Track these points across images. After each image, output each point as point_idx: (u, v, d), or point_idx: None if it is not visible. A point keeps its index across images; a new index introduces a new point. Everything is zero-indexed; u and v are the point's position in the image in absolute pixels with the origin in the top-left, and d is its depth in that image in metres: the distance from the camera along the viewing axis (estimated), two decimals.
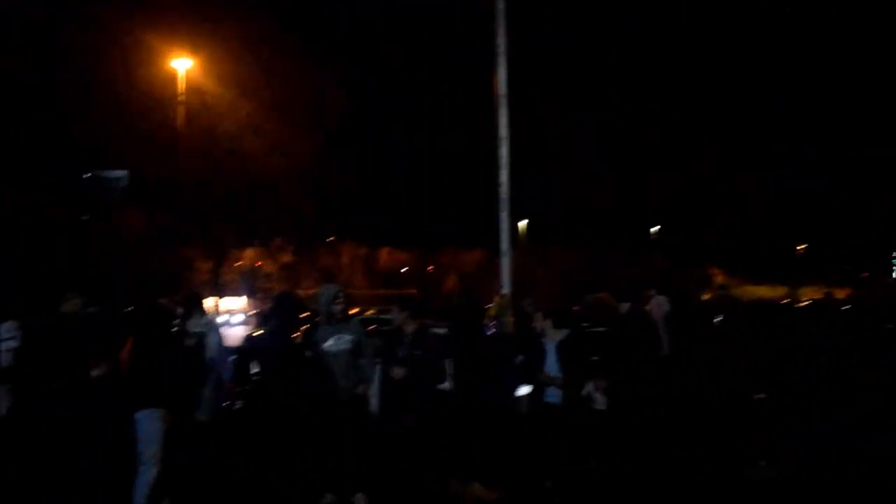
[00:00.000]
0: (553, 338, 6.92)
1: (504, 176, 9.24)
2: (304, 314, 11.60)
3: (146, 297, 5.88)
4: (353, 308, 23.84)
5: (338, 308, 6.58)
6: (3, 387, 5.13)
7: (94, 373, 5.32)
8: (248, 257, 19.16)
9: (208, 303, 19.87)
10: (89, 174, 7.93)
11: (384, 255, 53.33)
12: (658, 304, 8.26)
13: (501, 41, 9.28)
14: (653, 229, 47.47)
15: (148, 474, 5.45)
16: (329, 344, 6.54)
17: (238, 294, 23.82)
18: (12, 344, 5.24)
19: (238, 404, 8.66)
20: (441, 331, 7.45)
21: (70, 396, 5.24)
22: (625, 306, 7.47)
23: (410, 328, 6.52)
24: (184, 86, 17.80)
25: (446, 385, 6.69)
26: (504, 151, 9.28)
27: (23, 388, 5.20)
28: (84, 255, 9.29)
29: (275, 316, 6.66)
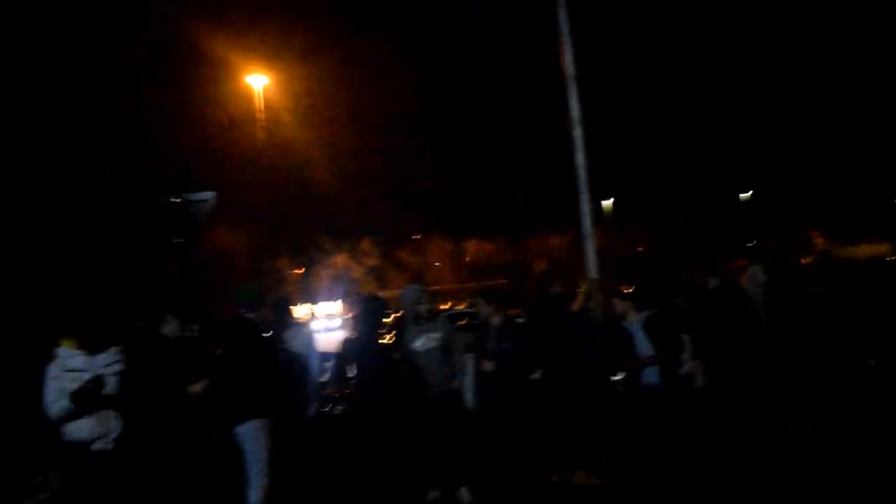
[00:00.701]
0: (635, 318, 6.77)
1: (581, 158, 9.04)
2: (394, 314, 11.72)
3: (232, 311, 6.04)
4: (443, 304, 24.02)
5: (422, 308, 6.65)
6: (112, 412, 5.35)
7: (193, 390, 5.48)
8: (337, 263, 19.58)
9: (303, 309, 20.45)
10: (178, 198, 8.23)
11: (471, 247, 53.39)
12: (752, 276, 7.85)
13: (563, 21, 9.11)
14: (743, 196, 45.75)
15: (259, 486, 5.62)
16: (418, 343, 6.62)
17: (331, 299, 24.39)
18: (116, 368, 5.47)
19: (339, 408, 8.84)
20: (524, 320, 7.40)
21: (174, 417, 5.43)
22: (713, 281, 7.09)
23: (497, 321, 6.49)
24: (261, 102, 18.38)
25: (538, 375, 6.64)
26: (578, 133, 9.08)
27: (130, 412, 5.41)
28: (180, 276, 9.69)
29: (361, 319, 6.74)
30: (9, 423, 5.71)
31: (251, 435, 5.68)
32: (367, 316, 6.78)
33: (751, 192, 44.88)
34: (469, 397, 7.23)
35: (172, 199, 8.23)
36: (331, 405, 8.88)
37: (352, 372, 7.41)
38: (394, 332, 7.25)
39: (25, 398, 5.40)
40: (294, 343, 7.01)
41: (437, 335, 6.66)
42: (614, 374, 6.64)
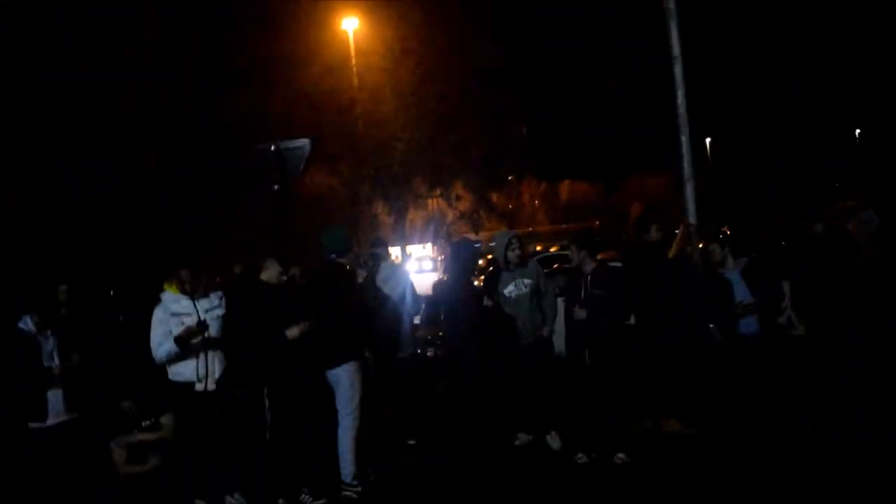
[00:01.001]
0: (734, 266, 6.48)
1: (681, 96, 8.64)
2: (486, 257, 11.66)
3: (322, 256, 6.13)
4: (536, 245, 23.88)
5: (513, 254, 6.57)
6: (215, 353, 5.56)
7: (291, 334, 5.60)
8: (431, 206, 19.72)
9: (397, 251, 20.73)
10: (273, 145, 8.33)
11: (565, 188, 52.63)
12: (863, 221, 7.17)
13: None
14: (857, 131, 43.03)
15: (350, 426, 5.74)
16: (509, 290, 6.57)
17: (424, 241, 24.64)
18: (218, 312, 5.66)
19: (430, 351, 8.95)
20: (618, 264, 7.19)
21: (273, 359, 5.57)
22: (818, 227, 6.63)
23: (589, 267, 6.34)
24: (352, 46, 18.43)
25: (632, 322, 6.48)
26: (678, 71, 8.66)
27: (231, 354, 5.61)
28: (278, 222, 9.90)
29: (451, 263, 6.69)
30: (120, 364, 6.01)
31: (344, 378, 5.76)
32: (458, 260, 6.75)
33: (858, 130, 42.09)
34: (559, 343, 7.16)
35: (269, 147, 8.32)
36: (424, 347, 8.99)
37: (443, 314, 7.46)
38: (485, 276, 7.21)
39: (135, 340, 5.67)
40: (391, 285, 7.06)
41: (527, 281, 6.60)
42: (710, 323, 6.42)
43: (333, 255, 6.01)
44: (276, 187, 8.43)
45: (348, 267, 6.23)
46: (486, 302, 6.38)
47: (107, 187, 15.24)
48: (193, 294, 5.60)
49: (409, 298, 7.27)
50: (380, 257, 7.49)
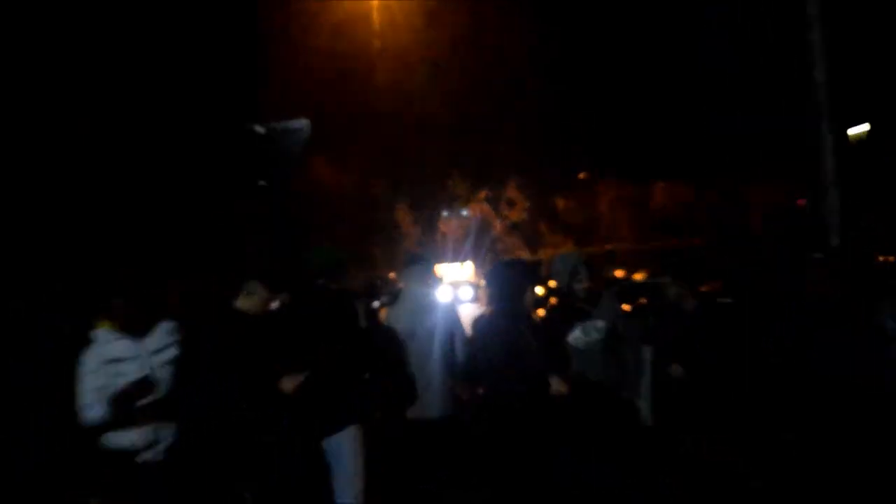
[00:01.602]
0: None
1: (821, 72, 8.54)
2: (547, 284, 11.44)
3: (308, 280, 6.08)
4: (615, 270, 23.61)
5: (580, 287, 6.37)
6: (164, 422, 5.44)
7: (286, 387, 5.48)
8: (473, 213, 19.46)
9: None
10: (262, 128, 8.13)
11: (658, 192, 51.85)
12: None
13: None
14: None
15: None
16: (574, 336, 6.33)
17: (462, 259, 24.14)
18: (170, 354, 5.50)
19: (465, 414, 8.75)
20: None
21: (250, 421, 5.45)
22: None
23: (690, 306, 6.13)
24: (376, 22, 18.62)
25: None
26: (817, 36, 8.62)
27: (188, 414, 5.47)
28: (264, 231, 9.80)
29: (496, 293, 6.45)
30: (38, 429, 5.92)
31: (346, 448, 5.74)
32: (505, 289, 6.53)
33: None
34: (646, 410, 6.93)
35: (255, 129, 8.31)
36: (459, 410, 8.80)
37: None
38: (546, 317, 7.01)
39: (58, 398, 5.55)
40: (418, 318, 6.91)
41: (599, 324, 6.37)
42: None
43: (322, 280, 5.92)
44: (262, 183, 8.42)
45: (351, 294, 6.15)
46: (557, 387, 5.95)
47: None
48: (133, 331, 5.46)
49: (438, 338, 7.07)
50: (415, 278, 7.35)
